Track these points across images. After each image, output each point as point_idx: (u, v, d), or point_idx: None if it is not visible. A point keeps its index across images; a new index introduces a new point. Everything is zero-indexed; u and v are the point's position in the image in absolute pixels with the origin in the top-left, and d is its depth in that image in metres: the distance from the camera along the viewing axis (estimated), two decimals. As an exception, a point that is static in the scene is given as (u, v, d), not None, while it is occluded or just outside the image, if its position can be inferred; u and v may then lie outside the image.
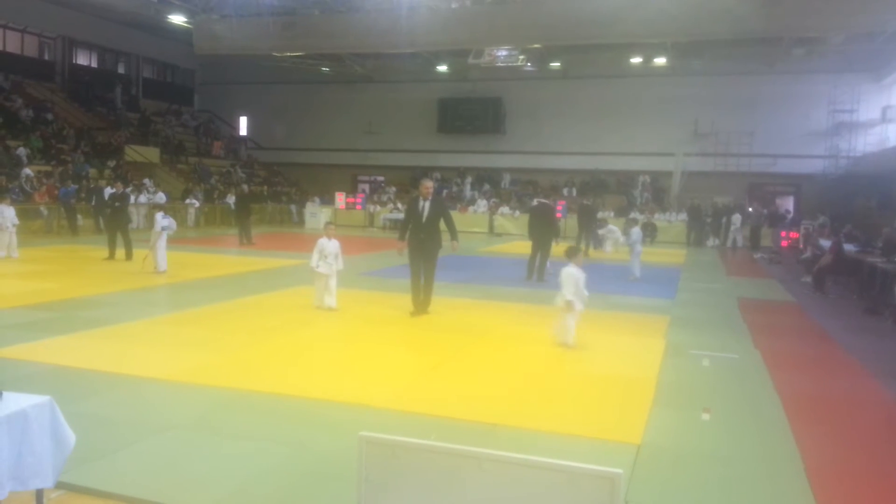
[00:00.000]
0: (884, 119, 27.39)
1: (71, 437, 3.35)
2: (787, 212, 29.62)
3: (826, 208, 26.22)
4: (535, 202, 15.78)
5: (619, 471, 1.90)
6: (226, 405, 5.82)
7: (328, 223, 10.64)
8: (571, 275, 8.06)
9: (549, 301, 10.74)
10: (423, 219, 9.59)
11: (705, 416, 5.89)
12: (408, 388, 6.53)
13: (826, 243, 15.91)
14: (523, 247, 22.63)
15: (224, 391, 6.16)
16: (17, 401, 3.17)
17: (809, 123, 29.61)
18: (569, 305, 7.96)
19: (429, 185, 9.89)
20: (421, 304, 9.77)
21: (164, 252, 13.29)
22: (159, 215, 13.75)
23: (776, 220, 27.51)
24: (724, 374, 7.45)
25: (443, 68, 32.93)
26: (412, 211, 9.85)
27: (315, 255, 9.57)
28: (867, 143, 28.35)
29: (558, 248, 14.27)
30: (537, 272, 13.84)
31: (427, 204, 9.62)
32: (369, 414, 5.71)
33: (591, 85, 31.78)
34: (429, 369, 7.27)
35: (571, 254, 8.38)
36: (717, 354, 8.14)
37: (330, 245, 9.49)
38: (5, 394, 3.21)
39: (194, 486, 4.25)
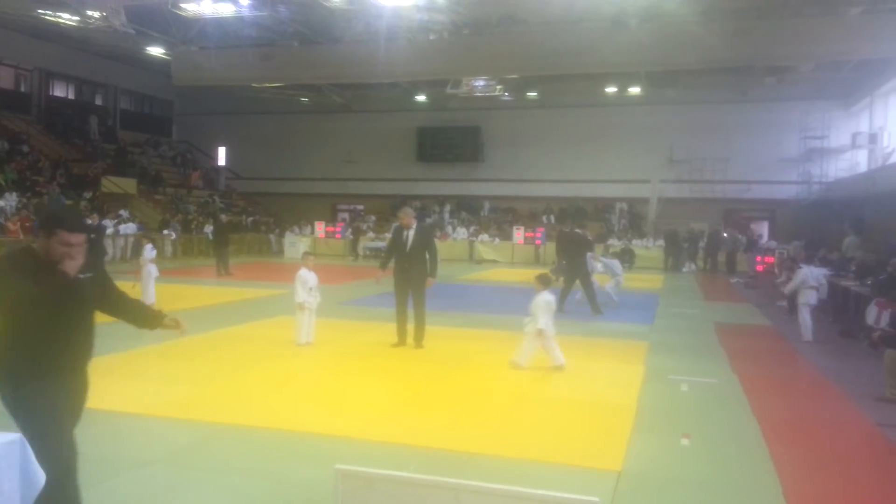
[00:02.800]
0: (854, 145, 27.95)
1: (41, 476, 3.29)
2: (759, 236, 30.00)
3: (800, 233, 26.60)
4: (567, 229, 15.34)
5: (596, 499, 1.91)
6: (204, 439, 5.75)
7: (307, 253, 10.56)
8: (549, 303, 8.38)
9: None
10: (408, 248, 9.54)
11: (685, 442, 5.91)
12: (386, 418, 6.49)
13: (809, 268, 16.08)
14: (504, 274, 22.75)
15: (202, 425, 6.09)
16: (-14, 439, 3.11)
17: (782, 150, 30.18)
18: (541, 333, 8.28)
19: (409, 214, 9.83)
20: (414, 338, 9.60)
21: (153, 285, 13.15)
22: (148, 247, 13.65)
23: (751, 245, 27.84)
24: (702, 398, 7.49)
25: (421, 98, 33.21)
26: (396, 240, 9.79)
27: (300, 289, 9.40)
28: (838, 168, 28.92)
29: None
30: (559, 302, 13.55)
31: (411, 233, 9.56)
32: (348, 445, 5.66)
33: (568, 114, 32.16)
34: (407, 399, 7.24)
35: (545, 282, 8.64)
36: (696, 379, 8.19)
37: (311, 277, 9.42)
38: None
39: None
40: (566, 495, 1.95)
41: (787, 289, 11.93)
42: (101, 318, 11.61)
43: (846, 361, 9.85)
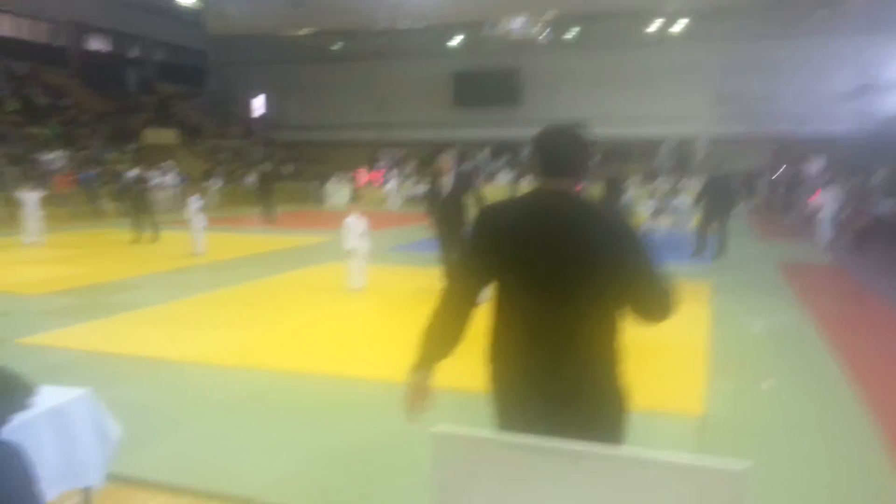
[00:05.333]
0: (911, 78, 26.57)
1: (114, 429, 3.15)
2: (811, 176, 28.86)
3: (856, 170, 25.53)
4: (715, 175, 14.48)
5: (747, 464, 1.63)
6: (264, 388, 5.63)
7: (355, 200, 10.35)
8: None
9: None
10: (444, 195, 9.28)
11: (766, 385, 5.62)
12: (451, 363, 6.28)
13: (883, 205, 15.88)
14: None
15: (261, 373, 5.97)
16: (55, 395, 2.97)
17: (834, 85, 28.79)
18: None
19: (443, 161, 9.48)
20: None
21: (201, 234, 13.16)
22: (194, 197, 13.65)
23: (798, 183, 26.78)
24: (776, 339, 7.16)
25: (457, 41, 32.34)
26: (434, 187, 9.54)
27: (349, 236, 9.24)
28: (893, 103, 27.55)
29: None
30: (719, 247, 12.89)
31: (447, 180, 9.29)
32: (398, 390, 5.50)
33: (610, 53, 31.05)
34: (468, 344, 7.03)
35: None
36: (767, 319, 7.84)
37: (360, 223, 9.22)
38: (41, 388, 3.01)
39: (238, 473, 4.07)
40: (707, 462, 1.68)
41: (811, 208, 15.88)
42: (151, 268, 11.53)
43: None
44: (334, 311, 8.55)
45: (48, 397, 2.97)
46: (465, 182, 9.54)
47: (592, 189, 23.76)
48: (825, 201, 15.31)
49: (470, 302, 2.43)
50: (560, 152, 2.44)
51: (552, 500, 1.80)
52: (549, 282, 2.25)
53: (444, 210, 9.27)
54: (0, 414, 2.42)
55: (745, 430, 4.71)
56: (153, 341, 6.98)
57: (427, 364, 2.47)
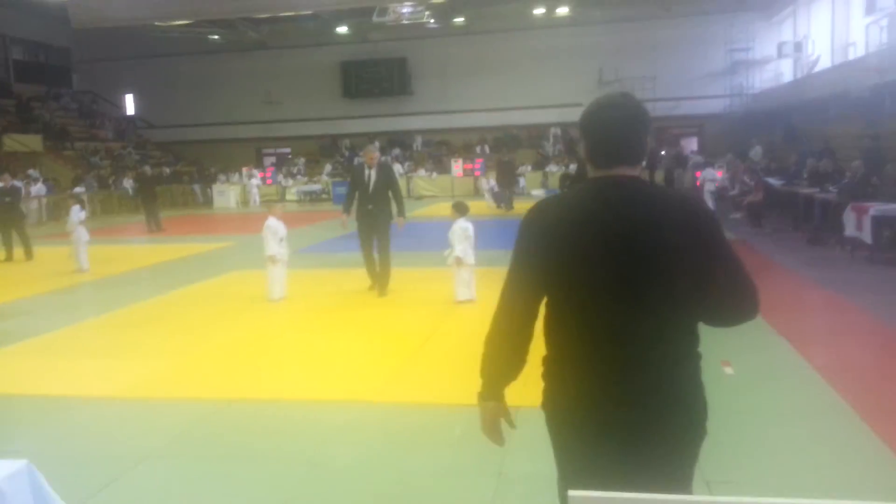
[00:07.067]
0: (779, 55, 28.17)
1: (60, 506, 2.52)
2: (692, 152, 30.18)
3: (730, 146, 26.83)
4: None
5: None
6: (200, 421, 4.98)
7: (272, 201, 9.66)
8: (464, 230, 8.15)
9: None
10: (370, 189, 8.86)
11: (728, 370, 5.54)
12: (398, 375, 5.86)
13: (769, 179, 16.65)
14: (447, 209, 22.04)
15: (193, 404, 5.30)
16: (-15, 472, 2.33)
17: (708, 64, 30.29)
18: (459, 261, 8.05)
19: (374, 152, 9.12)
20: (378, 285, 8.99)
21: (85, 249, 11.96)
22: (76, 208, 12.39)
23: (682, 161, 27.90)
24: (716, 321, 7.15)
25: (343, 30, 31.52)
26: (357, 180, 9.10)
27: (271, 241, 8.53)
28: (763, 79, 29.25)
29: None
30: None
31: (373, 172, 8.90)
32: (368, 411, 5.04)
33: (496, 39, 31.22)
34: (414, 351, 6.61)
35: (461, 209, 8.38)
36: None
37: (281, 226, 8.57)
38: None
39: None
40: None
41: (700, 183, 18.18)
42: (32, 290, 10.20)
43: (831, 269, 9.76)
44: (260, 325, 7.84)
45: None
46: (389, 175, 9.17)
47: (489, 175, 23.80)
48: (706, 179, 18.25)
49: (530, 316, 2.10)
50: (614, 133, 2.06)
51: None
52: (618, 282, 1.93)
53: (370, 206, 8.83)
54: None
55: (729, 420, 4.56)
56: (54, 377, 6.12)
57: (495, 391, 2.18)
